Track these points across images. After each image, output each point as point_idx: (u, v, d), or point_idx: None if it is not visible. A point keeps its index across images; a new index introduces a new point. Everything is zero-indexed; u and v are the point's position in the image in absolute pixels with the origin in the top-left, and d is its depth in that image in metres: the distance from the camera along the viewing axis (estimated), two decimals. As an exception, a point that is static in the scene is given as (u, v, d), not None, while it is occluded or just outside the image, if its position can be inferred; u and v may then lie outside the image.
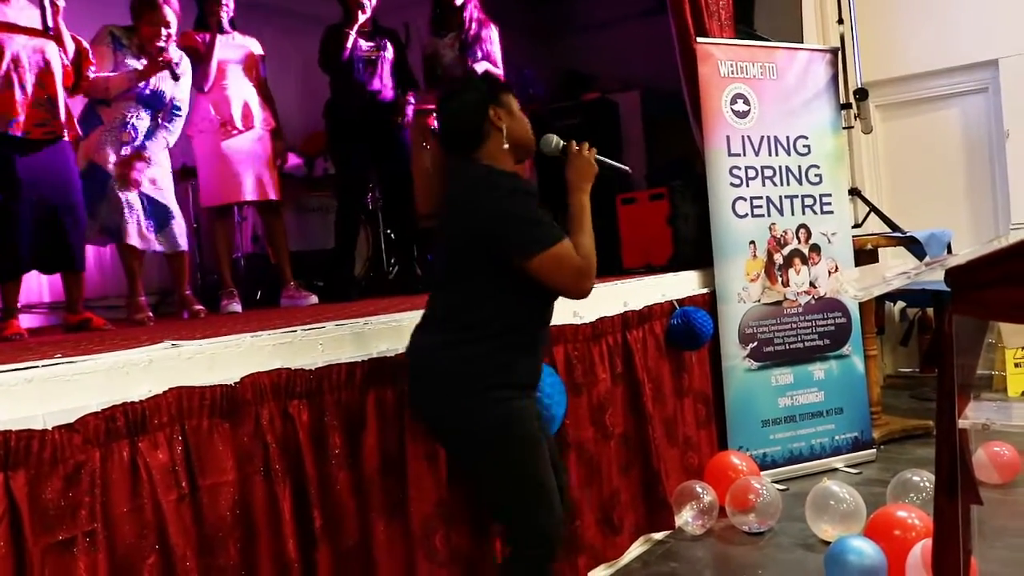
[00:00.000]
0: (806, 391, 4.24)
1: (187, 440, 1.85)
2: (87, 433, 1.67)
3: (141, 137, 3.73)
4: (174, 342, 1.96)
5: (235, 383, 2.00)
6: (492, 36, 4.70)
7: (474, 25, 4.65)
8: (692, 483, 3.61)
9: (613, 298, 3.59)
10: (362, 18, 4.45)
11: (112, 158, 3.65)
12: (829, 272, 4.32)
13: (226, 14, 4.21)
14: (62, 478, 1.63)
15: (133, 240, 3.67)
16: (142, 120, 3.74)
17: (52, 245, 3.33)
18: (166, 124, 3.83)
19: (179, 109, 3.89)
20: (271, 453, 2.02)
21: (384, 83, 4.60)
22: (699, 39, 4.18)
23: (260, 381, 2.04)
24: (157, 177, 3.78)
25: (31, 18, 3.24)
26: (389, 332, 2.45)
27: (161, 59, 3.67)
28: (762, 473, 3.89)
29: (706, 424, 4.04)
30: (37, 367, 1.68)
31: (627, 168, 2.48)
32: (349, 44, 4.42)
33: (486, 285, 2.05)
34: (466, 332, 2.05)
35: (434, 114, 4.97)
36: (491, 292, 2.05)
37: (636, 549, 3.41)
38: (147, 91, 3.73)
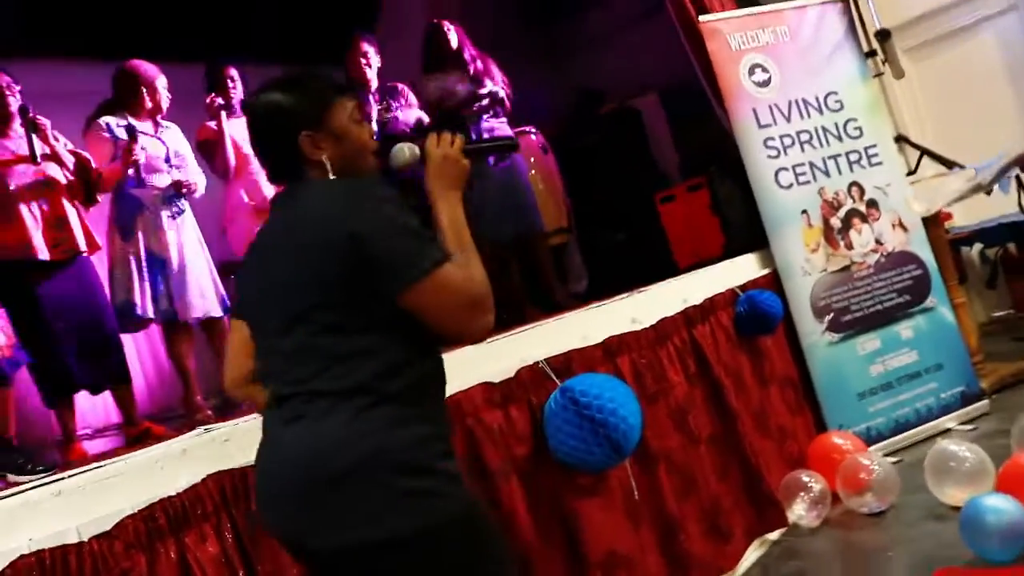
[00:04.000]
0: (897, 353, 3.95)
1: (236, 527, 1.73)
2: (127, 538, 1.57)
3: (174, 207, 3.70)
4: (207, 426, 1.85)
5: (280, 457, 1.87)
6: (494, 68, 4.62)
7: (478, 62, 4.58)
8: (797, 473, 3.36)
9: (671, 297, 3.42)
10: (371, 76, 4.41)
11: (155, 237, 3.61)
12: (893, 225, 4.06)
13: (235, 95, 4.09)
14: (109, 590, 1.52)
15: (193, 310, 3.64)
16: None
17: (91, 362, 3.31)
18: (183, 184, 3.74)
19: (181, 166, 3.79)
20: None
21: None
22: (701, 17, 4.03)
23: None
24: (186, 242, 3.70)
25: (24, 146, 3.25)
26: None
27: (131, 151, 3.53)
28: (870, 449, 3.62)
29: (798, 409, 3.79)
30: (64, 478, 1.58)
31: (509, 136, 2.02)
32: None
33: (367, 328, 1.43)
34: (362, 398, 1.39)
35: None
36: (376, 338, 1.43)
37: (752, 554, 3.17)
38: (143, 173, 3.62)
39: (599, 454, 2.46)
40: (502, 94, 4.38)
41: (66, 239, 3.25)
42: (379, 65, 4.51)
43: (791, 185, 3.96)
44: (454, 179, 1.57)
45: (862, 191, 4.06)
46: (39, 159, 3.23)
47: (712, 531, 2.99)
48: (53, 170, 3.30)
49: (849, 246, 3.98)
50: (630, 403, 2.53)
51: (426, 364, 1.49)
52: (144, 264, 3.57)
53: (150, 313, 3.58)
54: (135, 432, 3.40)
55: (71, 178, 3.36)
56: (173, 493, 1.66)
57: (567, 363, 2.73)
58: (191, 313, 3.66)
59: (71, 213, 3.30)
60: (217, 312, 3.76)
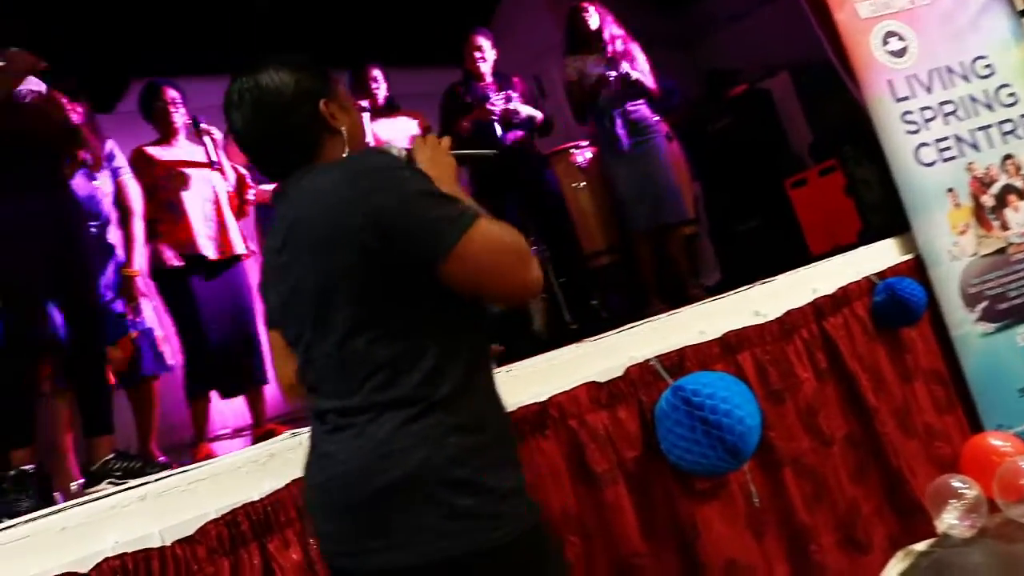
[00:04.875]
0: (1066, 345, 3.54)
1: (320, 532, 1.69)
2: (210, 543, 1.56)
3: None
4: (294, 431, 1.83)
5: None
6: (636, 51, 4.48)
7: (618, 43, 4.46)
8: (947, 478, 3.05)
9: (799, 287, 3.19)
10: (484, 70, 4.38)
11: None
12: (1057, 201, 3.65)
13: (379, 95, 4.18)
14: (191, 595, 1.51)
15: None
16: None
17: (234, 364, 3.44)
18: None
19: None
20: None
21: (518, 130, 4.47)
22: (826, -14, 3.75)
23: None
24: None
25: (196, 153, 3.47)
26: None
27: None
28: (1033, 451, 3.25)
29: (949, 407, 3.45)
30: (149, 482, 1.59)
31: (490, 152, 1.94)
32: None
33: (405, 330, 1.30)
34: (408, 408, 1.27)
35: (575, 151, 4.79)
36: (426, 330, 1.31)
37: (895, 567, 2.89)
38: None
39: (714, 458, 2.30)
40: (635, 76, 4.24)
41: (225, 243, 3.44)
42: (494, 58, 4.47)
43: (934, 162, 3.62)
44: (443, 172, 1.47)
45: (1018, 164, 3.66)
46: (213, 165, 3.44)
47: (848, 541, 2.76)
48: (216, 179, 3.50)
49: (1004, 226, 3.59)
50: (747, 403, 2.35)
51: (470, 361, 1.34)
52: None
53: None
54: (260, 432, 3.49)
55: (230, 189, 3.56)
56: (256, 498, 1.64)
57: (680, 360, 2.58)
58: None
59: (230, 220, 3.49)
60: None
